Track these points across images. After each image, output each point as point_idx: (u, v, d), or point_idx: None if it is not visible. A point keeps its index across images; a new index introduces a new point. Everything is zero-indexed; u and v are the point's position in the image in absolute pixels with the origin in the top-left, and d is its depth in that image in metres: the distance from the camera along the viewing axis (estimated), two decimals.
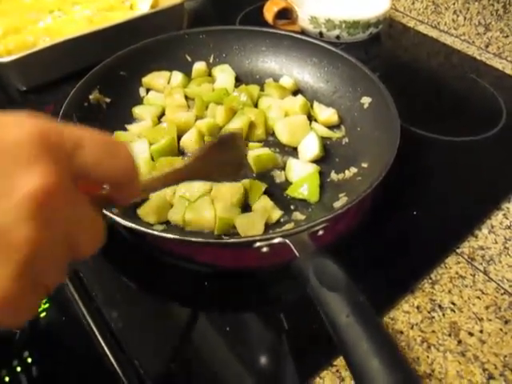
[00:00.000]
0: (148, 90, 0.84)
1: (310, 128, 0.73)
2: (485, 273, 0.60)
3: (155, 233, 0.53)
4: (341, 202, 0.62)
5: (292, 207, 0.65)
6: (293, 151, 0.73)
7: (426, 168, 0.73)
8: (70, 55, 0.86)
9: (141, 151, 0.69)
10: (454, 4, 1.03)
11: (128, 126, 0.76)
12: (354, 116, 0.75)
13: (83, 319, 0.52)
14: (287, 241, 0.51)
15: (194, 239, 0.54)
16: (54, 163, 0.27)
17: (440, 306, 0.57)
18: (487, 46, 1.01)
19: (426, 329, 0.54)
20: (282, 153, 0.73)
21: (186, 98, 0.81)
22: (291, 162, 0.69)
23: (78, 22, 0.93)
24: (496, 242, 0.64)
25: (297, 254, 0.50)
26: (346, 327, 0.43)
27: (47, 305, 0.53)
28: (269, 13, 0.98)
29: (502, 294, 0.58)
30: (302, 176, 0.66)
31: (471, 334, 0.54)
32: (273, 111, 0.76)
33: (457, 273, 0.60)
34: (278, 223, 0.62)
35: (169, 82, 0.84)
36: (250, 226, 0.59)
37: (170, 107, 0.78)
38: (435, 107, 0.86)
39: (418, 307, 0.56)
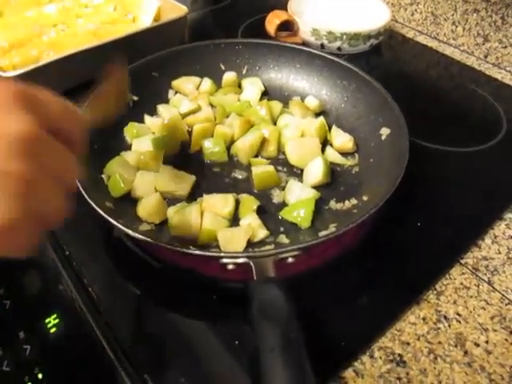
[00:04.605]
0: (176, 93, 0.86)
1: (320, 152, 0.72)
2: (489, 283, 0.61)
3: (119, 226, 0.54)
4: (327, 231, 0.61)
5: (281, 229, 0.64)
6: (300, 173, 0.72)
7: (427, 179, 0.74)
8: (75, 69, 0.86)
9: (144, 146, 0.72)
10: (452, 15, 1.05)
11: (146, 117, 0.79)
12: (371, 146, 0.74)
13: (93, 334, 0.53)
14: (251, 262, 0.52)
15: (159, 243, 0.54)
16: (30, 113, 0.33)
17: (445, 317, 0.57)
18: (486, 57, 1.02)
19: (432, 340, 0.55)
20: (288, 173, 0.72)
21: (211, 106, 0.82)
22: (292, 183, 0.68)
23: (82, 36, 0.93)
24: (499, 252, 0.65)
25: (255, 276, 0.50)
26: (266, 359, 0.42)
27: (57, 320, 0.53)
28: (271, 25, 0.99)
29: (506, 305, 0.59)
30: (299, 200, 0.66)
31: (477, 345, 0.55)
32: (289, 130, 0.75)
33: (461, 283, 0.61)
34: (262, 242, 0.62)
35: (198, 88, 0.86)
36: (231, 241, 0.59)
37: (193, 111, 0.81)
38: (435, 117, 0.87)
39: (423, 318, 0.57)
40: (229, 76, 0.87)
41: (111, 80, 0.56)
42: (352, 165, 0.74)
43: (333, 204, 0.67)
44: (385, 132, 0.72)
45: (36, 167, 0.32)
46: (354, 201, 0.67)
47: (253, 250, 0.60)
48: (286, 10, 1.02)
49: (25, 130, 0.32)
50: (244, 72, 0.89)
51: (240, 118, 0.76)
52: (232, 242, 0.59)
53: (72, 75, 0.88)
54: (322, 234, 0.60)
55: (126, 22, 1.01)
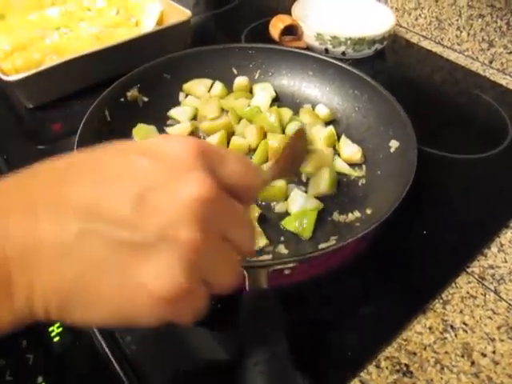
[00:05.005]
0: (187, 96, 0.86)
1: (331, 163, 0.71)
2: (495, 292, 0.61)
3: None
4: (327, 244, 0.60)
5: (282, 239, 0.64)
6: (305, 182, 0.71)
7: (433, 186, 0.73)
8: (78, 73, 0.86)
9: None
10: (457, 20, 1.04)
11: (167, 129, 0.80)
12: (379, 158, 0.73)
13: (96, 343, 0.52)
14: (245, 272, 0.50)
15: None
16: (208, 173, 0.31)
17: (452, 327, 0.57)
18: (491, 62, 1.02)
19: (439, 350, 0.54)
20: (294, 181, 0.71)
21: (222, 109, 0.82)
22: (295, 193, 0.67)
23: (85, 40, 0.93)
24: (506, 261, 0.64)
25: (247, 287, 0.49)
26: (249, 373, 0.41)
27: (61, 329, 0.53)
28: (275, 29, 0.99)
29: None
30: (301, 210, 0.65)
31: (484, 355, 0.54)
32: None
33: (468, 292, 0.60)
34: (260, 251, 0.61)
35: (209, 91, 0.86)
36: None
37: (203, 113, 0.81)
38: (439, 123, 0.86)
39: (430, 328, 0.56)
40: (240, 81, 0.86)
41: (297, 143, 0.57)
42: (359, 176, 0.72)
43: (336, 215, 0.66)
44: (394, 145, 0.71)
45: (209, 233, 0.30)
46: (357, 213, 0.66)
47: (250, 258, 0.59)
48: (289, 14, 1.02)
49: (201, 192, 0.29)
50: (256, 77, 0.88)
51: (255, 127, 0.75)
52: None
53: (75, 79, 0.88)
54: (322, 246, 0.60)
55: (128, 26, 1.00)
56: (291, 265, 0.53)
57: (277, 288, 0.53)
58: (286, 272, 0.54)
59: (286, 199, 0.68)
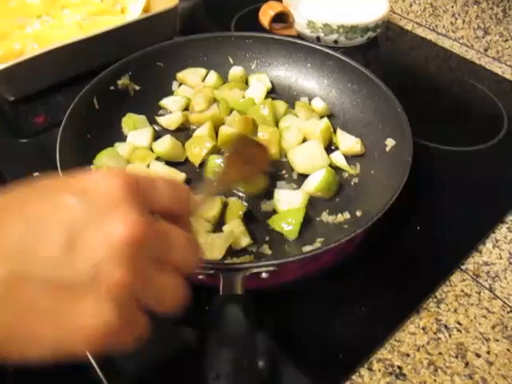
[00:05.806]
0: (180, 85, 0.83)
1: (326, 158, 0.69)
2: (490, 290, 0.59)
3: None
4: (312, 247, 0.59)
5: (267, 238, 0.62)
6: (297, 178, 0.70)
7: (426, 180, 0.71)
8: (60, 63, 0.83)
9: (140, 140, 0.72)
10: (452, 7, 1.01)
11: (158, 118, 0.77)
12: (374, 156, 0.71)
13: None
14: (220, 275, 0.49)
15: None
16: (136, 207, 0.31)
17: (446, 327, 0.55)
18: (486, 50, 1.00)
19: (432, 351, 0.53)
20: (288, 179, 0.70)
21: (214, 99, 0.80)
22: (278, 192, 0.65)
23: (68, 28, 0.90)
24: (501, 258, 0.63)
25: (221, 291, 0.47)
26: None
27: None
28: (265, 17, 0.96)
29: (508, 313, 0.57)
30: (289, 209, 0.63)
31: (478, 356, 0.53)
32: (290, 133, 0.72)
33: (462, 290, 0.59)
34: (242, 251, 0.60)
35: (203, 80, 0.83)
36: (210, 248, 0.57)
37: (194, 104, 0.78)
38: (433, 114, 0.85)
39: (423, 328, 0.55)
40: (235, 71, 0.84)
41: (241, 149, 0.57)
42: (353, 174, 0.70)
43: (325, 216, 0.64)
44: (390, 143, 0.69)
45: (140, 266, 0.31)
46: (346, 215, 0.64)
47: (231, 258, 0.58)
48: (280, 0, 0.99)
49: (129, 231, 0.30)
50: (253, 67, 0.86)
51: (240, 118, 0.73)
52: (211, 249, 0.57)
53: (58, 70, 0.85)
54: (306, 249, 0.59)
55: (114, 13, 0.97)
56: (268, 268, 0.51)
57: (258, 289, 0.51)
58: (264, 275, 0.51)
59: (273, 196, 0.66)
